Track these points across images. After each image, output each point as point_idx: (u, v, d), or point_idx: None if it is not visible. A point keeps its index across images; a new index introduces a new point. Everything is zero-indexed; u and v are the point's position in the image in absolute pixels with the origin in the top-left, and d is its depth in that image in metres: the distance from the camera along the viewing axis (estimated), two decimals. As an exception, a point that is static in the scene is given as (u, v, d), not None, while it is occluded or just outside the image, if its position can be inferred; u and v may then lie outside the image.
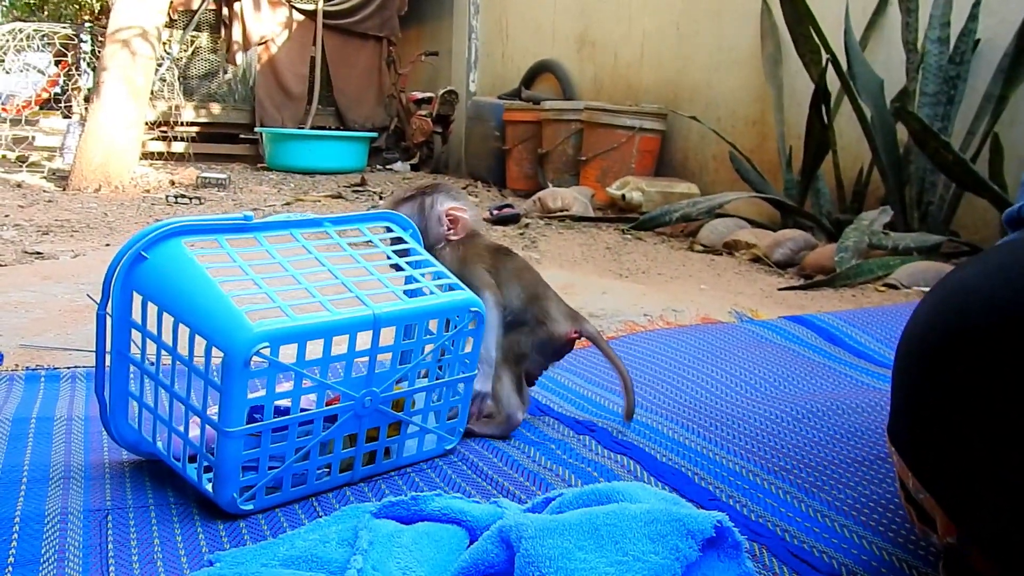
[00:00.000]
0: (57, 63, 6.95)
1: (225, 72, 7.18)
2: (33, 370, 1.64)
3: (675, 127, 5.00)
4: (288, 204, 4.84)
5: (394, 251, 1.27)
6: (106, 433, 1.17)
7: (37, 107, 7.44)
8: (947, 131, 3.34)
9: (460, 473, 1.18)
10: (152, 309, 1.08)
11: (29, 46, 6.49)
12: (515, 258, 1.41)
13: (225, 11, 7.11)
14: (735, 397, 1.53)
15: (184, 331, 1.04)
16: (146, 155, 6.08)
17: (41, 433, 1.29)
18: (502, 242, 1.89)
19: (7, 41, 6.32)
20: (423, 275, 1.22)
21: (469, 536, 0.88)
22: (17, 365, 1.68)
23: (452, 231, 1.38)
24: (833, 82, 3.58)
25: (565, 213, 4.49)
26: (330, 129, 7.33)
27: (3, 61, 6.40)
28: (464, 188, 5.67)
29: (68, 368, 1.65)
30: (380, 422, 1.15)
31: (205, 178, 5.45)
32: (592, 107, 5.02)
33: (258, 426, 1.03)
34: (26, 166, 5.66)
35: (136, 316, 1.10)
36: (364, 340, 1.10)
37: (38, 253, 3.04)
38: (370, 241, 1.25)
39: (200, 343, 1.03)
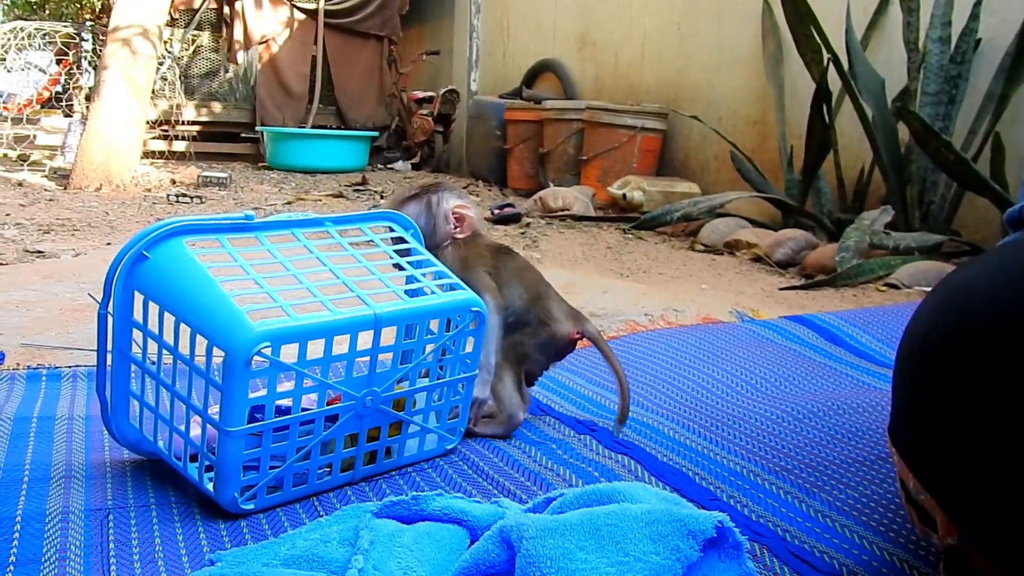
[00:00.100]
0: (58, 62, 6.95)
1: (226, 71, 7.18)
2: (34, 369, 1.64)
3: (676, 127, 5.00)
4: (289, 203, 4.84)
5: (395, 251, 1.27)
6: (107, 432, 1.17)
7: (39, 106, 7.45)
8: (948, 130, 3.33)
9: (461, 473, 1.18)
10: (153, 308, 1.08)
11: (30, 45, 6.49)
12: (516, 258, 1.41)
13: (226, 10, 7.11)
14: (736, 397, 1.53)
15: (185, 330, 1.04)
16: (147, 154, 6.08)
17: (42, 432, 1.29)
18: (503, 241, 1.89)
19: (8, 40, 6.32)
20: (424, 275, 1.22)
21: (470, 536, 0.88)
22: (18, 364, 1.68)
23: (458, 229, 1.38)
24: (834, 82, 3.58)
25: (566, 212, 4.49)
26: (331, 128, 7.33)
27: (4, 60, 6.40)
28: (465, 187, 5.67)
29: (69, 367, 1.66)
30: (381, 422, 1.15)
31: (206, 177, 5.45)
32: (593, 107, 5.02)
33: (259, 426, 1.03)
34: (27, 165, 5.66)
35: (137, 315, 1.10)
36: (365, 340, 1.10)
37: (39, 252, 3.05)
38: (371, 241, 1.25)
39: (201, 342, 1.03)
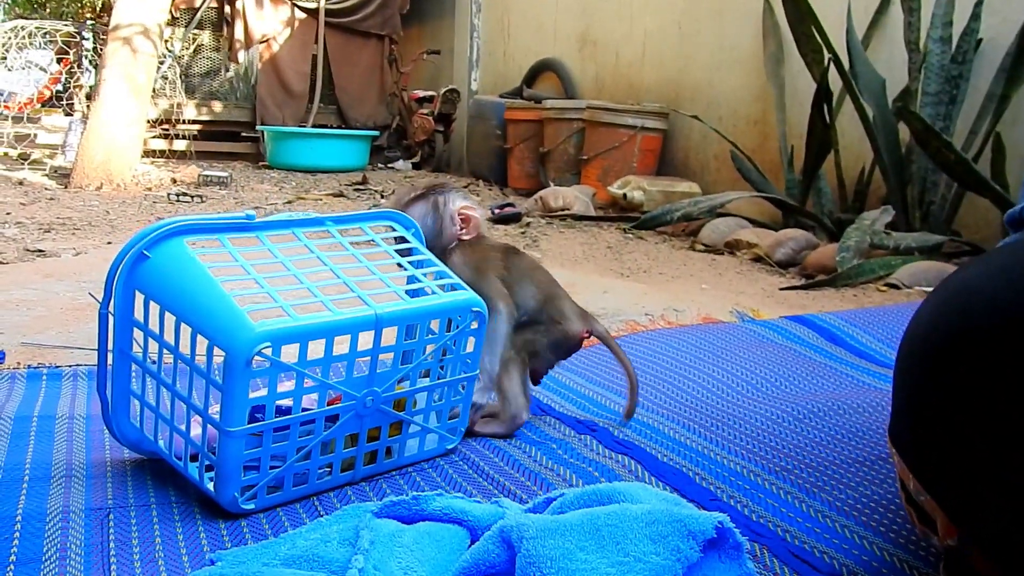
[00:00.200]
0: (59, 61, 6.95)
1: (227, 70, 7.18)
2: (35, 368, 1.64)
3: (677, 126, 5.00)
4: (290, 202, 4.84)
5: (396, 251, 1.27)
6: (108, 432, 1.17)
7: (39, 105, 7.45)
8: (949, 131, 3.33)
9: (461, 472, 1.18)
10: (154, 308, 1.08)
11: (31, 43, 6.49)
12: (525, 257, 1.42)
13: (227, 9, 7.11)
14: (736, 397, 1.53)
15: (186, 330, 1.04)
16: (148, 153, 6.08)
17: (43, 431, 1.30)
18: (503, 241, 1.89)
19: (9, 39, 6.32)
20: (425, 275, 1.22)
21: (470, 536, 0.88)
22: (19, 363, 1.68)
23: (464, 231, 1.38)
24: (835, 81, 3.58)
25: (566, 212, 4.49)
26: (331, 127, 7.33)
27: (5, 58, 6.40)
28: (465, 187, 5.67)
29: (70, 366, 1.66)
30: (382, 422, 1.15)
31: (207, 176, 5.45)
32: (594, 106, 5.02)
33: (260, 426, 1.03)
34: (28, 164, 5.66)
35: (138, 315, 1.10)
36: (366, 340, 1.10)
37: (40, 251, 3.05)
38: (372, 240, 1.25)
39: (202, 342, 1.03)
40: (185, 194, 4.80)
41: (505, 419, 1.33)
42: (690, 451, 1.26)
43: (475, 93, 6.97)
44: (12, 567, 0.91)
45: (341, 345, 1.07)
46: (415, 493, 0.93)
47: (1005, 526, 0.71)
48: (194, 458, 1.09)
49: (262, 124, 7.00)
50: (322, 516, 1.03)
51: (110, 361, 1.12)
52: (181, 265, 1.06)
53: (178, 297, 1.05)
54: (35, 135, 6.38)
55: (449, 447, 1.25)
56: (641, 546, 0.72)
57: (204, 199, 4.75)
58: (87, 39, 6.67)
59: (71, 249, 3.11)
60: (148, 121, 5.79)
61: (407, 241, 1.28)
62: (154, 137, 6.47)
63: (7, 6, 10.87)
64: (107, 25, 5.48)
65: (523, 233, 3.98)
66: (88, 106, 5.71)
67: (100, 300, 1.10)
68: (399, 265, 1.26)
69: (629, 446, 1.27)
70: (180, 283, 1.05)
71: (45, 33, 6.47)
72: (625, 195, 4.47)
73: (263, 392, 1.04)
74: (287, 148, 6.67)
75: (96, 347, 1.14)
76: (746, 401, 1.50)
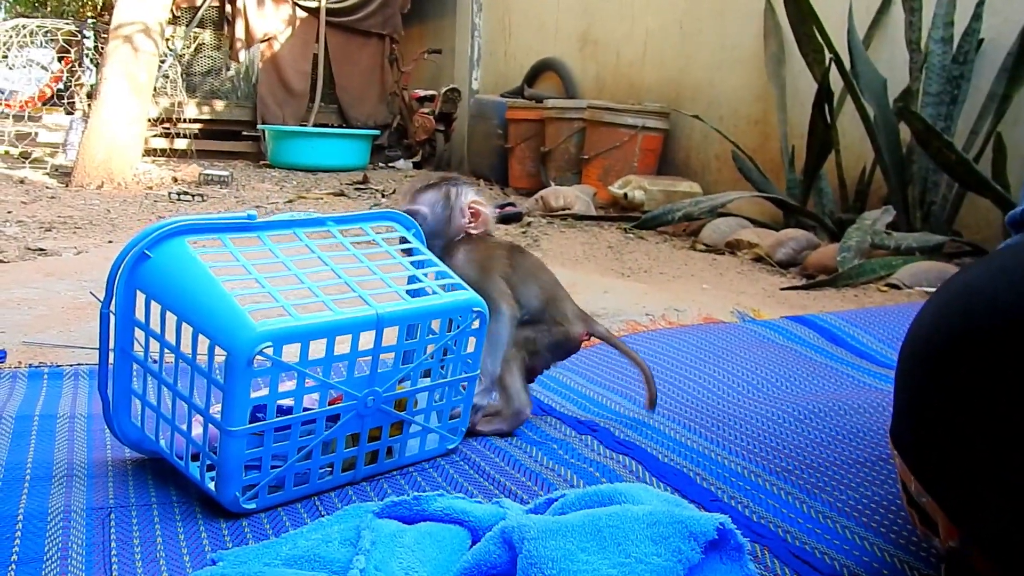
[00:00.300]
0: (60, 59, 6.95)
1: (228, 69, 7.18)
2: (36, 367, 1.64)
3: (678, 126, 5.00)
4: (290, 201, 4.84)
5: (397, 250, 1.27)
6: (109, 431, 1.17)
7: (41, 104, 7.45)
8: (950, 131, 3.33)
9: (462, 473, 1.18)
10: (155, 308, 1.08)
11: (32, 42, 6.49)
12: (530, 256, 1.42)
13: (228, 8, 7.10)
14: (737, 397, 1.53)
15: (187, 330, 1.05)
16: (149, 152, 6.08)
17: (44, 431, 1.30)
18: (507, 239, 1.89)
19: (10, 37, 6.32)
20: (426, 275, 1.22)
21: (471, 536, 0.88)
22: (20, 362, 1.68)
23: (472, 224, 1.38)
24: (836, 82, 3.57)
25: (567, 212, 4.49)
26: (332, 127, 7.32)
27: (6, 57, 6.40)
28: (466, 186, 5.65)
29: (71, 365, 1.66)
30: (382, 421, 1.15)
31: (208, 175, 5.45)
32: (595, 106, 5.02)
33: (261, 425, 1.03)
34: (29, 162, 5.66)
35: (139, 314, 1.10)
36: (367, 340, 1.10)
37: (41, 250, 3.05)
38: (373, 240, 1.25)
39: (203, 341, 1.03)
40: (186, 193, 4.80)
41: (508, 416, 1.33)
42: (691, 451, 1.26)
43: (476, 92, 6.97)
44: (14, 566, 0.91)
45: (342, 345, 1.08)
46: (416, 493, 0.93)
47: (1005, 527, 0.71)
48: (195, 457, 1.09)
49: (263, 123, 7.00)
50: (323, 516, 1.03)
51: (111, 360, 1.13)
52: (182, 265, 1.06)
53: (179, 297, 1.05)
54: (36, 133, 6.38)
55: (450, 447, 1.25)
56: (642, 547, 0.72)
57: (205, 198, 4.75)
58: (88, 38, 6.67)
59: (72, 248, 3.11)
60: (149, 120, 5.79)
61: (408, 241, 1.28)
62: (155, 136, 6.47)
63: (8, 5, 10.87)
64: (108, 24, 5.49)
65: (524, 232, 3.98)
66: (89, 105, 5.72)
67: (101, 299, 1.10)
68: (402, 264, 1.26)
69: (630, 446, 1.27)
70: (181, 283, 1.05)
71: (46, 32, 6.48)
72: (626, 195, 4.47)
73: (264, 392, 1.04)
74: (288, 147, 6.67)
75: (97, 346, 1.14)
76: (747, 401, 1.50)
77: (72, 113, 6.44)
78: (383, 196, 5.29)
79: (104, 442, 1.26)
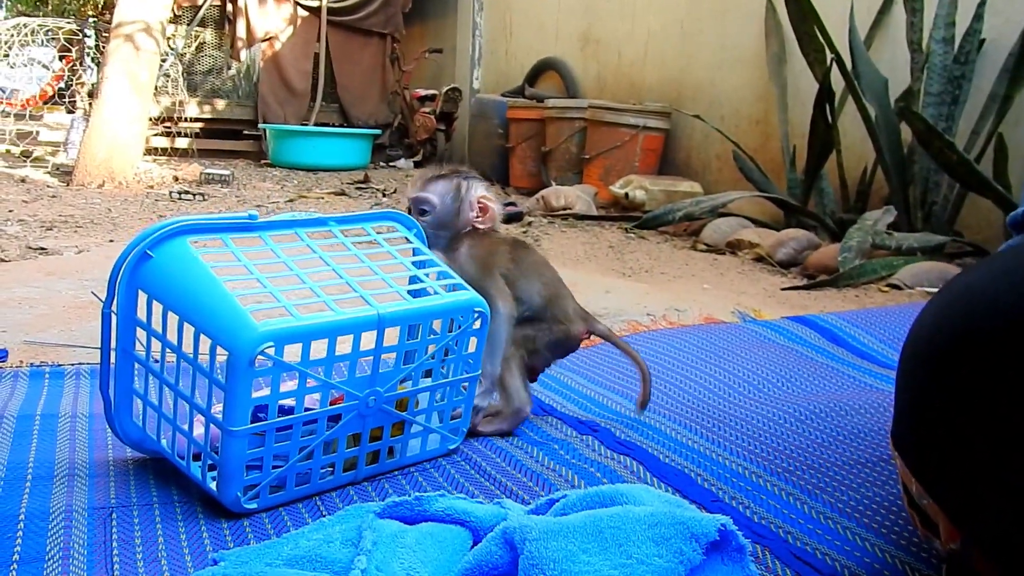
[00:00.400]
0: (61, 58, 6.95)
1: (229, 68, 7.17)
2: (37, 367, 1.64)
3: (679, 126, 5.00)
4: (291, 201, 4.84)
5: (398, 250, 1.27)
6: (110, 431, 1.17)
7: (43, 103, 7.45)
8: (951, 131, 3.33)
9: (463, 473, 1.19)
10: (157, 307, 1.08)
11: (33, 41, 6.49)
12: (533, 252, 1.42)
13: (229, 7, 7.10)
14: (738, 398, 1.53)
15: (189, 329, 1.05)
16: (150, 151, 6.08)
17: (46, 430, 1.30)
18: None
19: (11, 36, 6.32)
20: (427, 275, 1.23)
21: (472, 537, 0.88)
22: (21, 362, 1.68)
23: (480, 219, 1.38)
24: (837, 81, 3.57)
25: (568, 211, 4.49)
26: (333, 126, 7.32)
27: (7, 56, 6.40)
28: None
29: (72, 365, 1.66)
30: (384, 421, 1.15)
31: (209, 174, 5.45)
32: (596, 105, 5.02)
33: (262, 425, 1.03)
34: (30, 161, 5.66)
35: (141, 314, 1.10)
36: (369, 340, 1.10)
37: (42, 249, 3.05)
38: (375, 240, 1.26)
39: (205, 341, 1.03)
40: (187, 192, 4.80)
41: (508, 414, 1.33)
42: (692, 452, 1.26)
43: (477, 92, 6.97)
44: (15, 566, 0.91)
45: (344, 345, 1.08)
46: (418, 494, 0.93)
47: (1006, 528, 0.71)
48: (197, 457, 1.09)
49: (264, 122, 6.99)
50: (324, 516, 1.03)
51: (113, 360, 1.13)
52: (184, 265, 1.06)
53: (181, 296, 1.05)
54: (37, 132, 6.39)
55: (451, 447, 1.25)
56: (644, 548, 0.72)
57: (206, 197, 4.76)
58: (89, 36, 6.67)
59: (73, 247, 3.12)
60: (150, 119, 5.79)
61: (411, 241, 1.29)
62: (156, 135, 6.47)
63: (9, 3, 10.88)
64: (109, 22, 5.49)
65: (525, 232, 3.98)
66: (90, 103, 5.72)
67: (103, 299, 1.10)
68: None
69: (631, 447, 1.27)
70: (183, 283, 1.05)
71: (48, 30, 6.48)
72: (627, 194, 4.47)
73: (266, 392, 1.05)
74: (289, 146, 6.67)
75: (98, 346, 1.14)
76: (748, 402, 1.50)
77: (73, 112, 6.44)
78: (384, 195, 5.29)
79: (105, 442, 1.26)
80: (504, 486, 1.13)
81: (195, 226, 1.10)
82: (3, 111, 6.58)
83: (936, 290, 0.88)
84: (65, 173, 5.24)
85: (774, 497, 1.11)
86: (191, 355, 1.05)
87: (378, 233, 1.27)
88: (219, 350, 1.01)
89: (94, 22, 6.98)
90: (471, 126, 6.42)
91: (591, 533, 0.74)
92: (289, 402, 1.08)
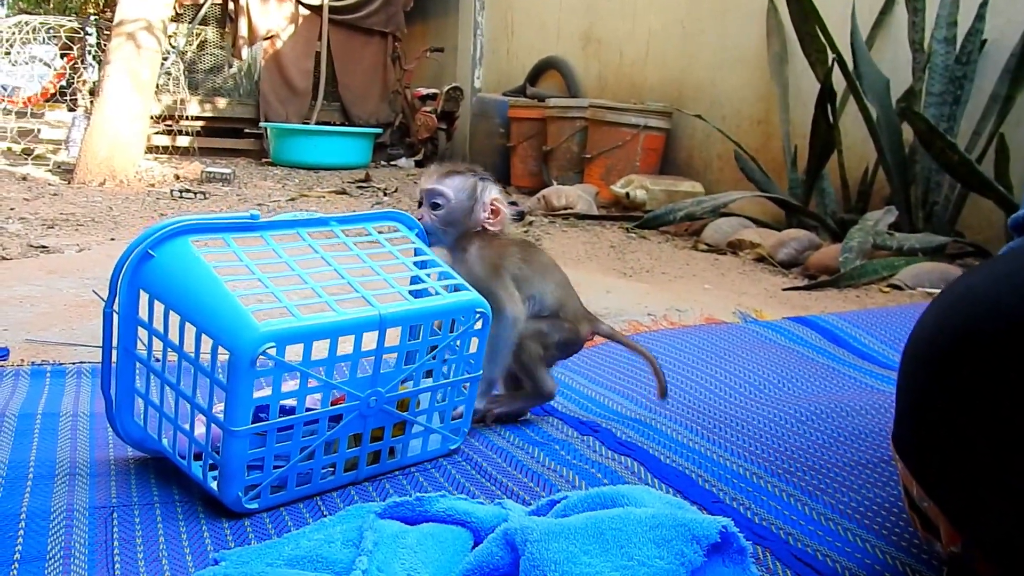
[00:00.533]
0: (63, 56, 6.95)
1: (230, 66, 7.17)
2: (39, 365, 1.65)
3: (680, 125, 4.99)
4: (293, 199, 4.84)
5: (400, 250, 1.27)
6: (112, 430, 1.17)
7: (44, 101, 7.45)
8: (953, 131, 3.33)
9: (464, 473, 1.19)
10: (159, 307, 1.08)
11: (35, 39, 6.50)
12: (542, 253, 1.43)
13: (231, 5, 7.10)
14: (738, 398, 1.53)
15: (190, 329, 1.05)
16: (151, 149, 6.08)
17: (47, 429, 1.30)
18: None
19: (13, 33, 6.32)
20: (428, 275, 1.23)
21: (473, 538, 0.88)
22: (23, 360, 1.68)
23: (490, 221, 1.38)
24: (839, 82, 3.57)
25: (569, 211, 4.49)
26: (335, 125, 7.32)
27: (9, 53, 6.41)
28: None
29: (73, 363, 1.66)
30: (385, 422, 1.15)
31: (210, 172, 5.45)
32: (597, 105, 5.02)
33: (263, 425, 1.03)
34: (31, 159, 5.66)
35: (143, 314, 1.10)
36: (370, 340, 1.10)
37: (43, 247, 3.05)
38: (376, 240, 1.26)
39: (206, 341, 1.03)
40: (188, 190, 4.80)
41: (534, 394, 1.37)
42: (692, 452, 1.26)
43: (478, 91, 6.97)
44: (16, 565, 0.91)
45: (345, 345, 1.08)
46: (419, 494, 0.93)
47: (1008, 531, 0.71)
48: (198, 457, 1.09)
49: (265, 121, 7.00)
50: (325, 516, 1.03)
51: (114, 359, 1.13)
52: (186, 264, 1.06)
53: (183, 296, 1.05)
54: (39, 130, 6.38)
55: (452, 447, 1.25)
56: (645, 550, 0.72)
57: (207, 195, 4.76)
58: (91, 34, 6.67)
59: (74, 245, 3.12)
60: (151, 117, 5.79)
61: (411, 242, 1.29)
62: (157, 133, 6.47)
63: (11, 1, 10.88)
64: (111, 20, 5.49)
65: (526, 232, 3.98)
66: (92, 101, 5.72)
67: (104, 298, 1.11)
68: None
69: (631, 447, 1.27)
70: (185, 282, 1.06)
71: (49, 28, 6.48)
72: (628, 194, 4.47)
73: (267, 392, 1.05)
74: (290, 145, 6.67)
75: (100, 344, 1.14)
76: (748, 403, 1.50)
77: (75, 110, 6.44)
78: (385, 194, 5.29)
79: (107, 441, 1.26)
80: (505, 486, 1.13)
81: (197, 226, 1.10)
82: (4, 109, 6.59)
83: (937, 291, 0.88)
84: (66, 171, 5.25)
85: (775, 498, 1.11)
86: (192, 355, 1.05)
87: (379, 233, 1.27)
88: (220, 350, 1.01)
89: (95, 20, 6.98)
90: (472, 125, 6.42)
91: (592, 535, 0.75)
92: (290, 402, 1.08)
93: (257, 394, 1.02)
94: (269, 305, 1.04)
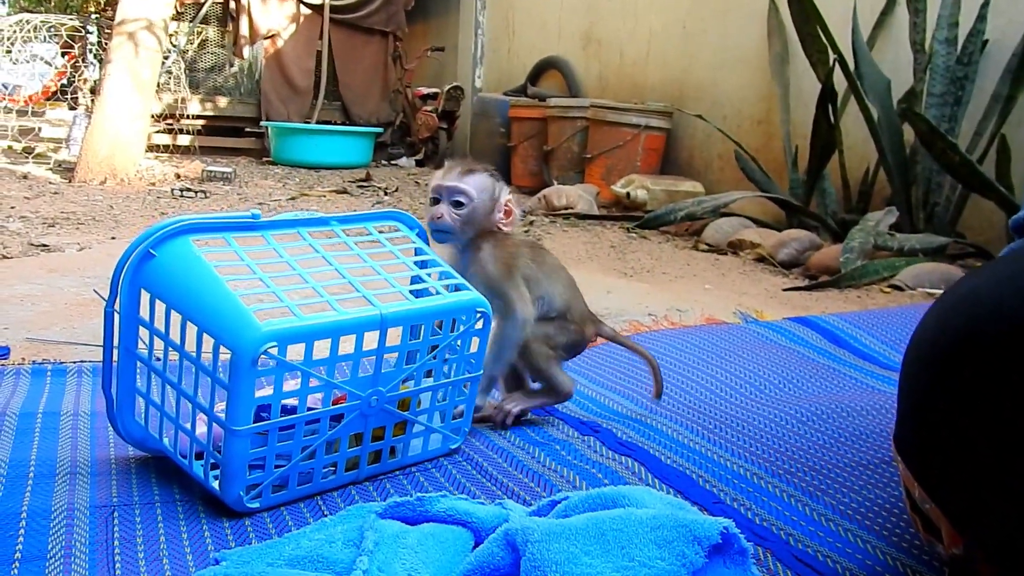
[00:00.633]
0: (64, 55, 6.95)
1: (231, 65, 7.17)
2: (40, 364, 1.64)
3: (680, 125, 4.99)
4: (293, 199, 4.84)
5: (400, 250, 1.27)
6: (112, 429, 1.17)
7: (44, 99, 7.45)
8: (954, 132, 3.33)
9: (465, 473, 1.19)
10: (160, 306, 1.08)
11: (36, 37, 6.49)
12: (549, 254, 1.44)
13: (232, 4, 7.10)
14: (739, 399, 1.53)
15: (192, 329, 1.05)
16: (152, 148, 6.08)
17: (47, 428, 1.30)
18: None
19: (14, 32, 6.32)
20: (429, 275, 1.23)
21: (474, 538, 0.88)
22: (24, 359, 1.68)
23: (503, 221, 1.38)
24: (840, 82, 3.57)
25: (570, 211, 4.49)
26: (335, 124, 7.32)
27: (10, 52, 6.40)
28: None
29: (74, 362, 1.66)
30: (386, 421, 1.15)
31: (211, 171, 5.45)
32: (598, 104, 5.02)
33: (265, 425, 1.03)
34: (32, 157, 5.66)
35: (144, 313, 1.10)
36: (371, 340, 1.10)
37: (44, 245, 3.05)
38: (377, 240, 1.26)
39: (208, 340, 1.03)
40: (189, 189, 4.80)
41: (552, 393, 1.38)
42: (693, 453, 1.26)
43: (479, 90, 6.97)
44: (17, 564, 0.91)
45: (346, 344, 1.08)
46: (419, 494, 0.93)
47: (1009, 531, 0.71)
48: (199, 456, 1.09)
49: (266, 120, 7.00)
50: (326, 516, 1.03)
51: (115, 359, 1.13)
52: (187, 264, 1.06)
53: (184, 296, 1.05)
54: (39, 129, 6.38)
55: (453, 447, 1.25)
56: (646, 551, 0.72)
57: (208, 194, 4.76)
58: (92, 33, 6.67)
59: (75, 244, 3.12)
60: (152, 116, 5.79)
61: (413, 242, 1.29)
62: (158, 132, 6.47)
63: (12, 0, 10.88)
64: (112, 19, 5.49)
65: (527, 232, 3.98)
66: (92, 100, 5.72)
67: (105, 298, 1.11)
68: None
69: (632, 447, 1.27)
70: (186, 282, 1.06)
71: (50, 27, 6.48)
72: (629, 194, 4.47)
73: (268, 391, 1.05)
74: (291, 144, 6.67)
75: (101, 343, 1.14)
76: (749, 403, 1.50)
77: (75, 109, 6.44)
78: (386, 194, 5.29)
79: (108, 440, 1.26)
80: (506, 486, 1.13)
81: (198, 225, 1.10)
82: (5, 107, 6.58)
83: (938, 292, 0.88)
84: (67, 170, 5.25)
85: (775, 499, 1.11)
86: (194, 354, 1.05)
87: (380, 233, 1.27)
88: (222, 349, 1.01)
89: (96, 19, 6.98)
90: (473, 125, 6.42)
91: (593, 535, 0.75)
92: (292, 401, 1.08)
93: (259, 393, 1.02)
94: (270, 304, 1.04)
